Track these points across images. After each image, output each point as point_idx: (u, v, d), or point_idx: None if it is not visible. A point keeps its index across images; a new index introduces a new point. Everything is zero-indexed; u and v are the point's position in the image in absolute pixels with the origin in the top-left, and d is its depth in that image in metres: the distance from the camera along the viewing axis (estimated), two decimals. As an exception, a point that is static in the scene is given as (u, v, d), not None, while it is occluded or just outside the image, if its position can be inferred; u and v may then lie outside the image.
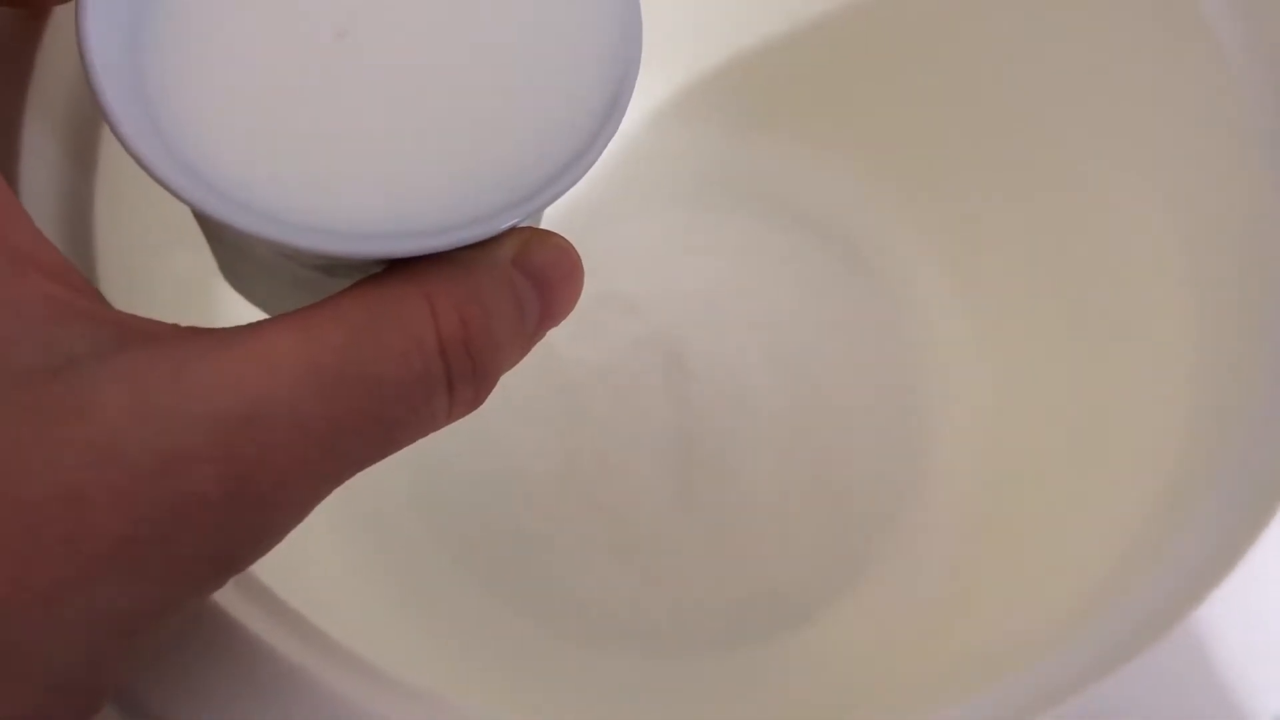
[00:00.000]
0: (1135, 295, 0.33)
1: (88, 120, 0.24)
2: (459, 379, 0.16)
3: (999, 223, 0.39)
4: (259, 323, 0.15)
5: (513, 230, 0.17)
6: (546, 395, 0.38)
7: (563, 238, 0.18)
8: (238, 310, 0.21)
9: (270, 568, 0.23)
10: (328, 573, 0.33)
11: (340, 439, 0.15)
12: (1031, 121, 0.36)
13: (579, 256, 0.18)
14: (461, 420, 0.17)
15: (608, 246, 0.40)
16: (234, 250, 0.20)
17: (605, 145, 0.17)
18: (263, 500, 0.14)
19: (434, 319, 0.15)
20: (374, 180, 0.16)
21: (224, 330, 0.15)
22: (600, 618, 0.36)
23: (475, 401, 0.16)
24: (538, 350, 0.19)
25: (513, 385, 0.38)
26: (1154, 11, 0.31)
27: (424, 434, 0.16)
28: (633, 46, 0.18)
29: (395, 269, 0.16)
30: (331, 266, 0.18)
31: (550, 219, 0.20)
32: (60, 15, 0.23)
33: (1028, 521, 0.35)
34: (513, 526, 0.37)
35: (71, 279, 0.15)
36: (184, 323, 0.16)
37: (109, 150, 0.25)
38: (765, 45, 0.40)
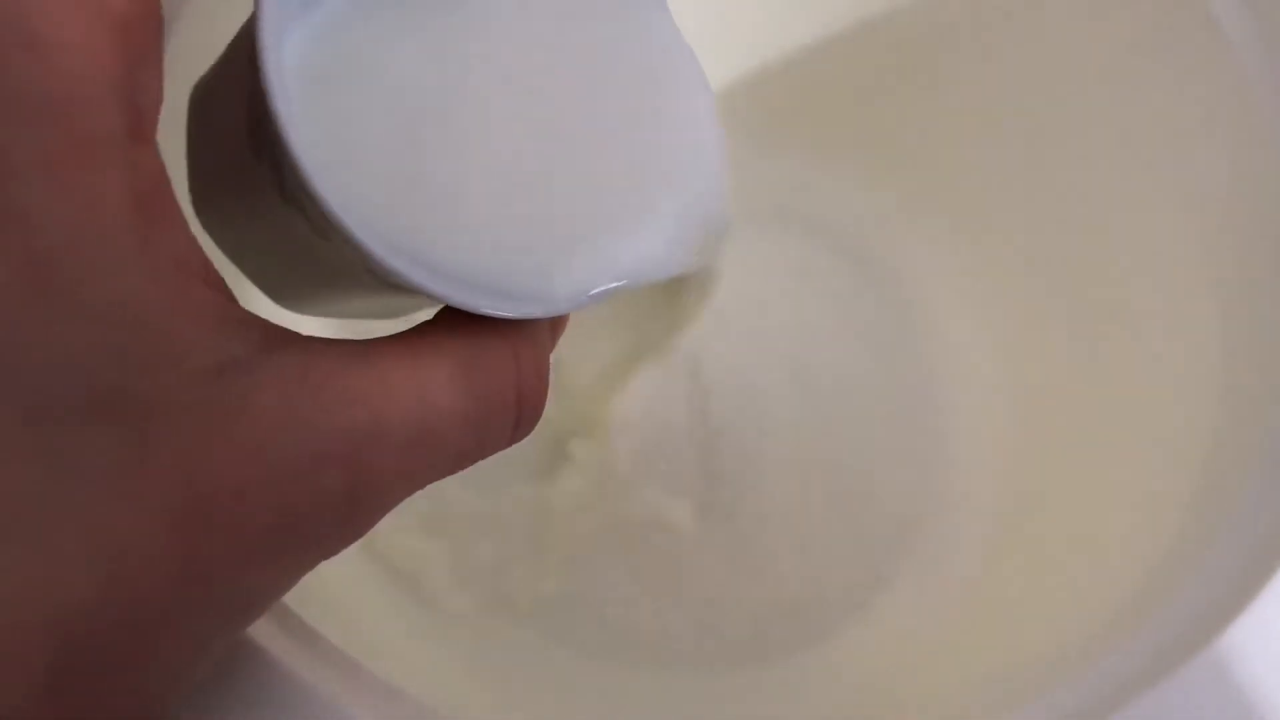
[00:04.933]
0: (1157, 306, 0.33)
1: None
2: (525, 420, 0.19)
3: (1016, 235, 0.39)
4: (373, 343, 0.17)
5: None
6: (565, 408, 0.38)
7: None
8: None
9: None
10: (344, 590, 0.33)
11: (431, 457, 0.17)
12: (1047, 133, 0.36)
13: None
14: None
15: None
16: (297, 254, 0.20)
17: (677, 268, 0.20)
18: (370, 501, 0.17)
19: (517, 372, 0.18)
20: (475, 234, 0.18)
21: (343, 346, 0.17)
22: (620, 632, 0.36)
23: (527, 434, 0.19)
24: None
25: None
26: (1164, 13, 0.30)
27: (484, 458, 0.19)
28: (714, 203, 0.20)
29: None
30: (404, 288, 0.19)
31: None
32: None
33: (1049, 537, 0.34)
34: (532, 542, 0.37)
35: (221, 285, 0.17)
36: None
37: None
38: (781, 60, 0.40)
